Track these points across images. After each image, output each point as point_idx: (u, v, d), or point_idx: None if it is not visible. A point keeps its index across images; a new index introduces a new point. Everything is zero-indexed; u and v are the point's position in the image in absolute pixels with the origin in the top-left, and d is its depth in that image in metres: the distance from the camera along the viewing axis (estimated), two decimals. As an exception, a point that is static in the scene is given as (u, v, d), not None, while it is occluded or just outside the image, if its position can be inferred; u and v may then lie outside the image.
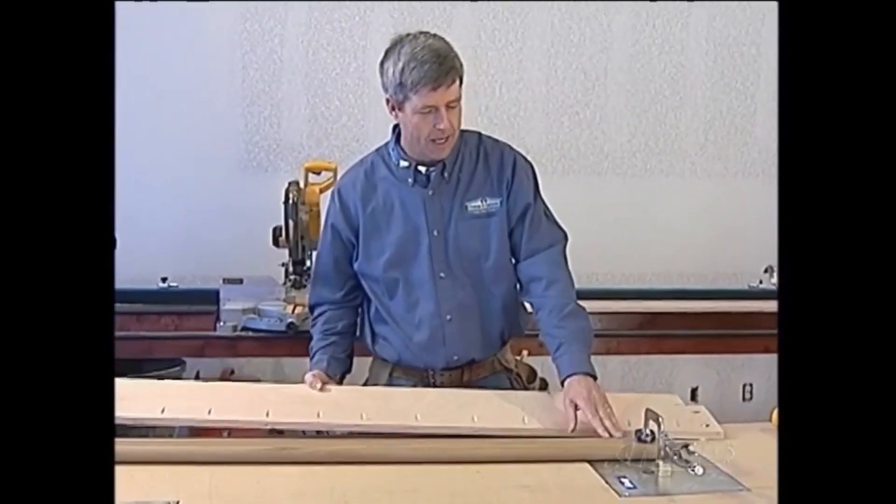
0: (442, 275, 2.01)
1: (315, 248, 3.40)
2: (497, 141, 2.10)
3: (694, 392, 4.37)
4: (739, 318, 3.72)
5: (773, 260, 4.00)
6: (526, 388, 2.14)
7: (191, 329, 3.24)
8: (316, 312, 2.22)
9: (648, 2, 4.16)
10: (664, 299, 3.84)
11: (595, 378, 1.86)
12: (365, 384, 2.22)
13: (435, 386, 2.06)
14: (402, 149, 2.02)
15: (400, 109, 1.92)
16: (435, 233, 2.00)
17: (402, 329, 2.07)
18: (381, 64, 1.93)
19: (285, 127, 3.97)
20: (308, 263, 3.39)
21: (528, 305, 2.14)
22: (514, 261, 2.07)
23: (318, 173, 3.43)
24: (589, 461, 1.64)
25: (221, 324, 3.21)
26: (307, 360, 3.68)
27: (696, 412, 1.80)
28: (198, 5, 3.70)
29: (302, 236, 3.29)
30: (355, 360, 2.35)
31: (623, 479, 1.55)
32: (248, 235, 3.54)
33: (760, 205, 4.33)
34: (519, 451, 1.67)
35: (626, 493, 1.50)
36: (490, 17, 4.08)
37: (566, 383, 1.85)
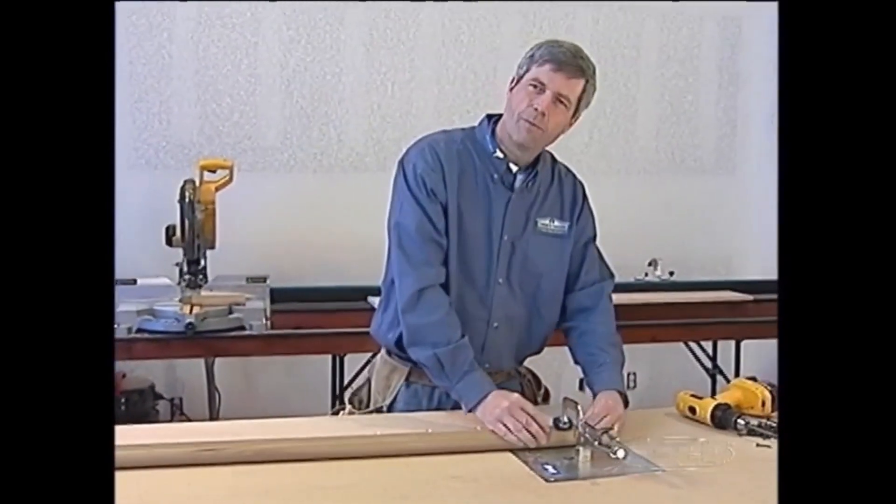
0: (500, 280, 1.95)
1: (211, 247, 3.38)
2: (568, 167, 2.08)
3: (581, 382, 4.51)
4: (625, 310, 3.84)
5: (656, 254, 4.21)
6: (535, 394, 2.10)
7: (83, 332, 3.14)
8: (440, 295, 1.89)
9: (535, 2, 4.29)
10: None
11: (626, 404, 1.89)
12: (362, 387, 2.11)
13: None
14: (498, 140, 1.94)
15: (517, 83, 1.88)
16: (505, 237, 1.94)
17: None
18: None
19: (175, 124, 3.90)
20: (203, 263, 3.35)
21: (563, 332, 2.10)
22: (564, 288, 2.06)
23: (214, 171, 3.39)
24: (511, 450, 1.69)
25: (115, 326, 3.14)
26: (201, 361, 3.67)
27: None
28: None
29: (198, 235, 3.25)
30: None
31: (546, 466, 1.61)
32: (138, 235, 3.46)
33: (642, 201, 4.56)
34: (444, 442, 1.71)
35: (552, 479, 1.56)
36: (382, 16, 4.11)
37: (603, 393, 1.90)
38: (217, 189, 3.34)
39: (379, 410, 2.02)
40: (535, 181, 1.97)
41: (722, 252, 4.77)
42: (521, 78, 1.87)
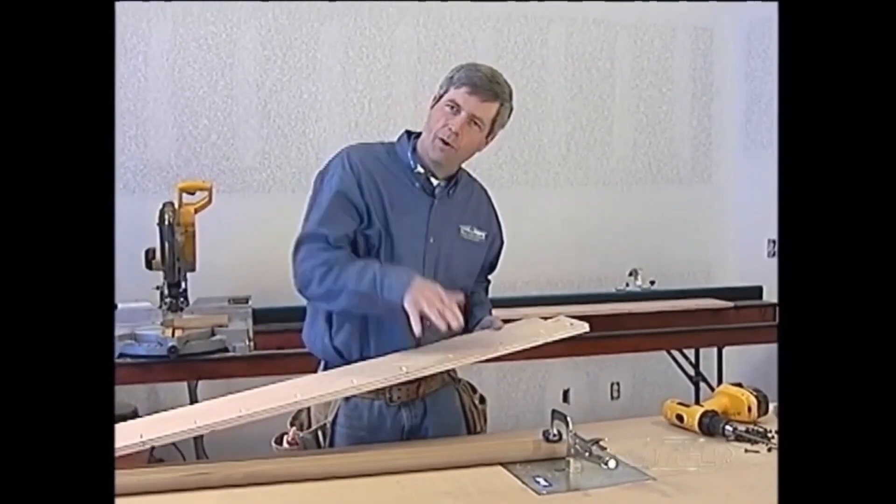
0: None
1: (191, 270, 3.36)
2: (475, 179, 2.18)
3: (566, 394, 4.53)
4: (607, 320, 3.89)
5: (636, 263, 4.24)
6: (472, 399, 2.15)
7: (65, 359, 3.11)
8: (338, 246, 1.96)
9: (509, 10, 4.31)
10: (534, 305, 3.98)
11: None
12: (301, 410, 2.03)
13: (391, 400, 2.00)
14: (418, 156, 2.02)
15: (436, 102, 1.98)
16: (431, 240, 2.02)
17: (375, 331, 2.00)
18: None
19: (153, 147, 3.89)
20: (184, 285, 3.34)
21: None
22: None
23: (193, 193, 3.38)
24: (502, 464, 1.70)
25: (98, 351, 3.11)
26: (184, 384, 3.64)
27: (557, 320, 1.95)
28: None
29: (178, 258, 3.23)
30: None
31: (538, 479, 1.61)
32: (118, 259, 3.41)
33: (620, 211, 4.59)
34: (435, 458, 1.71)
35: (544, 491, 1.56)
36: (357, 34, 4.14)
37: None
38: (196, 211, 3.33)
39: (322, 428, 2.01)
40: (455, 190, 2.06)
41: (701, 260, 4.80)
42: (440, 97, 1.98)
